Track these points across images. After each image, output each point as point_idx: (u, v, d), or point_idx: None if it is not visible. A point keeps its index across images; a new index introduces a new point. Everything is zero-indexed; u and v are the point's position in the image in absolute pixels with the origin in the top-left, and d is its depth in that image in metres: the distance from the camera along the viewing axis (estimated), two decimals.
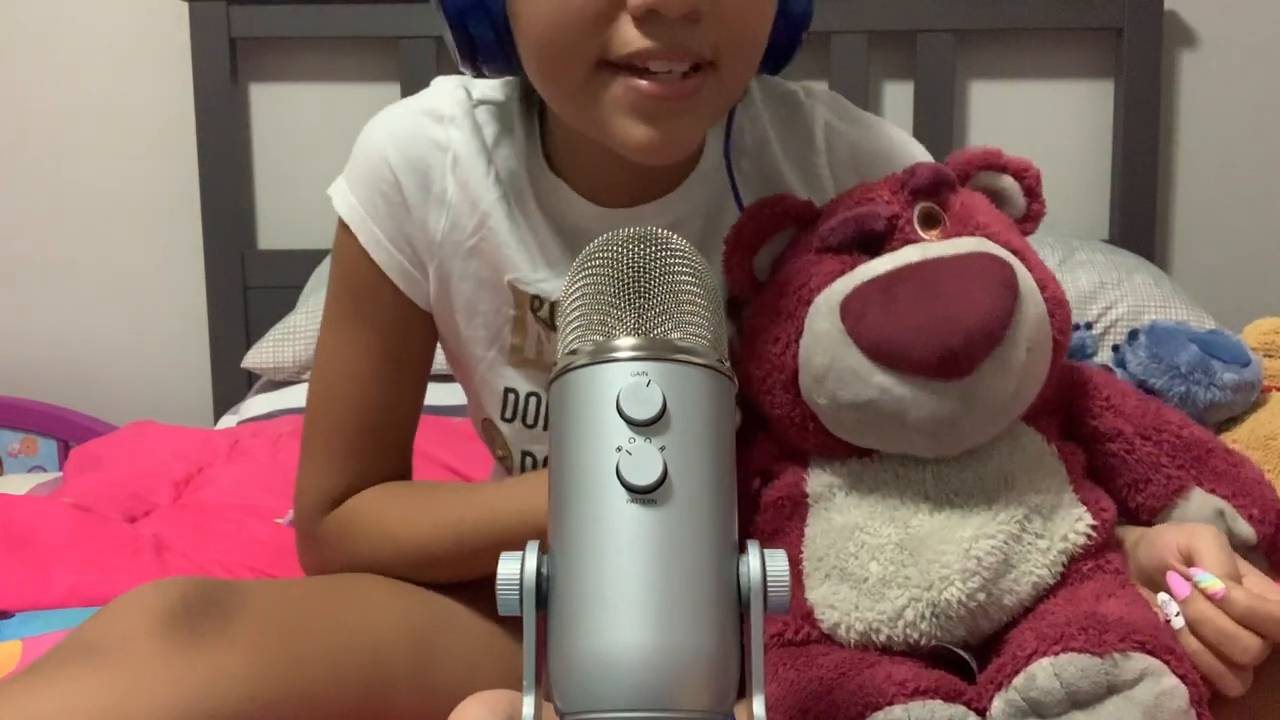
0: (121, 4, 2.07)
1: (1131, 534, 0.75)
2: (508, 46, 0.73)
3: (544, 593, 0.47)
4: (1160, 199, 2.13)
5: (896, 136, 0.87)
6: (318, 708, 0.71)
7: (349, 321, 0.85)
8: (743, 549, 0.47)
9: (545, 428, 0.84)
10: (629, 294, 0.49)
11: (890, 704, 0.62)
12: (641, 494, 0.46)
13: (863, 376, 0.68)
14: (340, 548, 0.86)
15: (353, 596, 0.80)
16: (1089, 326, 1.67)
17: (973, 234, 0.72)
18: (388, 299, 0.84)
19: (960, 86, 2.10)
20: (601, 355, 0.48)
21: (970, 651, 0.68)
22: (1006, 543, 0.67)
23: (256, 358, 1.84)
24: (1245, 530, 0.75)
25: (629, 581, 0.45)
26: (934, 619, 0.67)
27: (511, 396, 0.85)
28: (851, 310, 0.68)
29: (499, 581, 0.47)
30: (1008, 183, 0.78)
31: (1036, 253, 0.75)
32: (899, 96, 2.09)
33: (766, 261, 0.77)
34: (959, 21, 2.04)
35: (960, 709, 0.62)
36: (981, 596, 0.66)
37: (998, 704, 0.62)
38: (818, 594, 0.70)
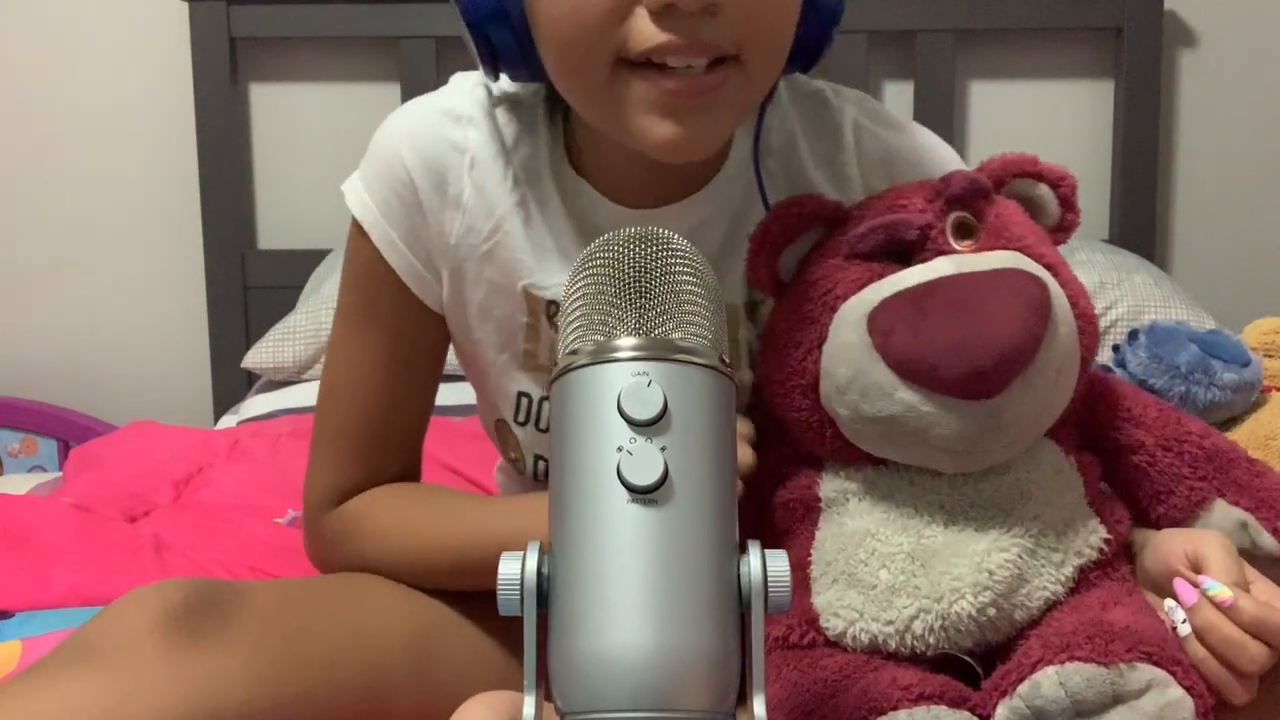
0: (121, 4, 2.07)
1: (1139, 538, 0.74)
2: (528, 51, 0.72)
3: (544, 592, 0.47)
4: (1160, 199, 2.13)
5: (930, 141, 0.86)
6: (318, 709, 0.71)
7: (359, 320, 0.85)
8: (743, 549, 0.47)
9: None
10: (630, 294, 0.49)
11: (895, 709, 0.61)
12: (642, 494, 0.45)
13: (887, 391, 0.67)
14: (341, 547, 0.86)
15: (353, 598, 0.80)
16: None
17: (1006, 247, 0.70)
18: (399, 300, 0.83)
19: (960, 86, 2.10)
20: (602, 355, 0.48)
21: (976, 657, 0.67)
22: (1020, 557, 0.67)
23: (256, 358, 1.84)
24: (1269, 543, 0.74)
25: (630, 581, 0.45)
26: (942, 631, 0.66)
27: (525, 401, 0.85)
28: (879, 324, 0.67)
29: (499, 581, 0.47)
30: (1043, 191, 0.76)
31: (1069, 265, 0.73)
32: (899, 96, 2.09)
33: (792, 262, 0.75)
34: (959, 21, 2.04)
35: (965, 715, 0.62)
36: (992, 611, 0.66)
37: (1002, 711, 0.62)
38: (824, 599, 0.69)
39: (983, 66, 2.11)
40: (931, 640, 0.66)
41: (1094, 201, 2.11)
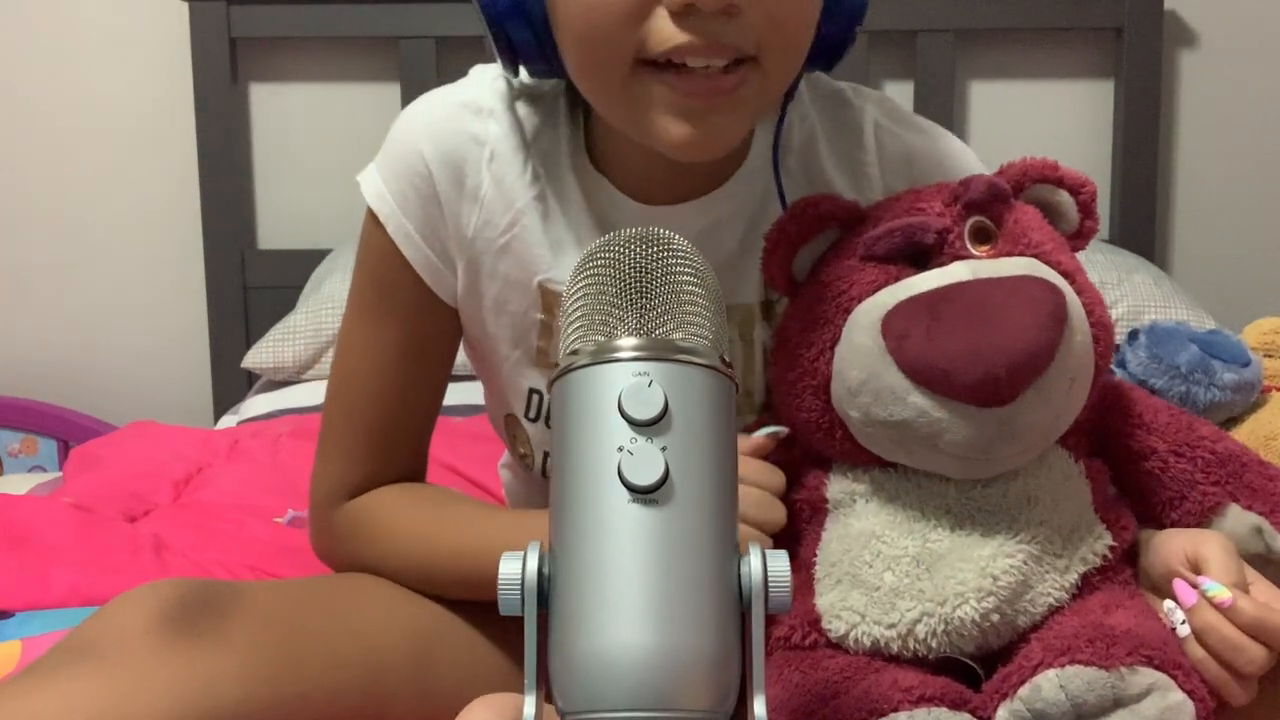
0: (121, 4, 2.07)
1: (1141, 537, 0.74)
2: (548, 49, 0.72)
3: (545, 592, 0.47)
4: (1160, 199, 2.13)
5: (952, 143, 0.85)
6: (316, 709, 0.71)
7: (372, 312, 0.84)
8: (743, 549, 0.48)
9: None
10: (631, 294, 0.49)
11: (896, 710, 0.61)
12: (643, 494, 0.45)
13: (899, 396, 0.66)
14: (347, 545, 0.86)
15: (353, 599, 0.80)
16: None
17: (1024, 253, 0.70)
18: (413, 293, 0.82)
19: (960, 86, 2.10)
20: (603, 355, 0.48)
21: (977, 660, 0.67)
22: (1026, 563, 0.66)
23: (256, 358, 1.84)
24: None
25: (630, 581, 0.45)
26: (945, 635, 0.66)
27: (536, 397, 0.84)
28: (894, 328, 0.67)
29: (500, 581, 0.47)
30: (1063, 197, 0.75)
31: (1086, 272, 0.73)
32: (899, 97, 2.07)
33: (807, 262, 0.74)
34: (959, 21, 2.04)
35: (965, 717, 0.62)
36: (995, 617, 0.66)
37: (1002, 714, 0.62)
38: (827, 600, 0.69)
39: (983, 66, 2.11)
40: (934, 644, 0.66)
41: None
